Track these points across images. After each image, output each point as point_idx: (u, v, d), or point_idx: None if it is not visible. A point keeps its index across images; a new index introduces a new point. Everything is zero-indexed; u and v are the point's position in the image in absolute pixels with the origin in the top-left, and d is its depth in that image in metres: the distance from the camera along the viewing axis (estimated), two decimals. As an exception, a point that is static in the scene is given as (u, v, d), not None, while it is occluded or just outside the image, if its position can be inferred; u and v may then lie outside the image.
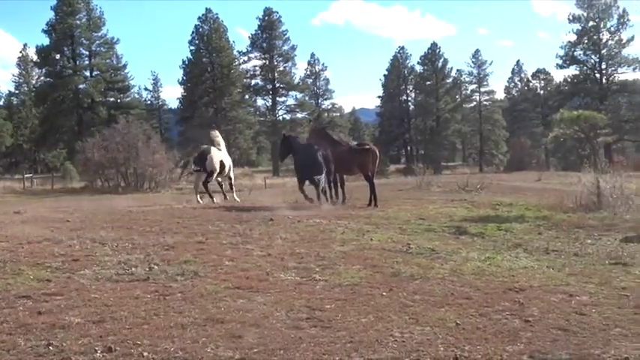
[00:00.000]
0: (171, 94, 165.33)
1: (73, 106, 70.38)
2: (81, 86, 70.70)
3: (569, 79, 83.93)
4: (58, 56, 70.74)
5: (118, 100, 76.16)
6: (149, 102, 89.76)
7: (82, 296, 6.41)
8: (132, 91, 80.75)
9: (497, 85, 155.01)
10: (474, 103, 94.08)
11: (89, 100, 70.41)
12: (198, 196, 18.76)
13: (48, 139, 71.11)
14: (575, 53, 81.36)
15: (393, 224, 12.65)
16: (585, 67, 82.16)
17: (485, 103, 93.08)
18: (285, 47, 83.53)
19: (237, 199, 18.96)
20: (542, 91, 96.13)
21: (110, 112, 68.55)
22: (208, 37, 75.81)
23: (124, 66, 77.46)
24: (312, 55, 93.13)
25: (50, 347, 4.87)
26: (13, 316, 5.72)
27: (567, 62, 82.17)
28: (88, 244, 9.40)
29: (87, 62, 72.67)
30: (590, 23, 79.42)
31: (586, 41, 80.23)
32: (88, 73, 72.46)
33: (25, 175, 52.26)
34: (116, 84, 75.18)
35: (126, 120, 46.05)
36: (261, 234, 10.78)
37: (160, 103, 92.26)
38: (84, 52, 72.59)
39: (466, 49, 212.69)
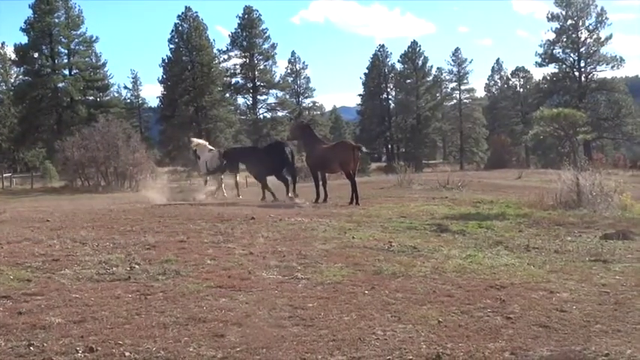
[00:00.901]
0: (151, 93, 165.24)
1: (52, 104, 69.71)
2: (60, 85, 69.96)
3: (548, 77, 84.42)
4: (36, 55, 69.87)
5: (98, 99, 75.70)
6: (129, 101, 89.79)
7: (63, 296, 6.36)
8: (111, 89, 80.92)
9: (478, 83, 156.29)
10: (455, 101, 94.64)
11: (68, 98, 69.74)
12: (223, 191, 21.83)
13: (27, 138, 70.33)
14: (554, 51, 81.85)
15: (375, 222, 12.67)
16: (564, 65, 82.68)
17: (465, 101, 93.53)
18: (266, 45, 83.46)
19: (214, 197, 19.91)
20: (521, 89, 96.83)
21: (90, 110, 67.92)
22: (188, 36, 75.25)
23: (104, 64, 77.24)
24: (293, 53, 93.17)
25: (31, 347, 4.83)
26: (-7, 316, 5.67)
27: (546, 60, 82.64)
28: (69, 244, 9.35)
29: (66, 61, 71.94)
30: (569, 22, 79.90)
31: (565, 39, 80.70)
32: (67, 72, 71.73)
33: (4, 175, 51.59)
34: (95, 83, 74.74)
35: (106, 119, 45.59)
36: (243, 232, 10.77)
37: (140, 101, 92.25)
38: (63, 50, 71.94)
39: (446, 48, 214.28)
